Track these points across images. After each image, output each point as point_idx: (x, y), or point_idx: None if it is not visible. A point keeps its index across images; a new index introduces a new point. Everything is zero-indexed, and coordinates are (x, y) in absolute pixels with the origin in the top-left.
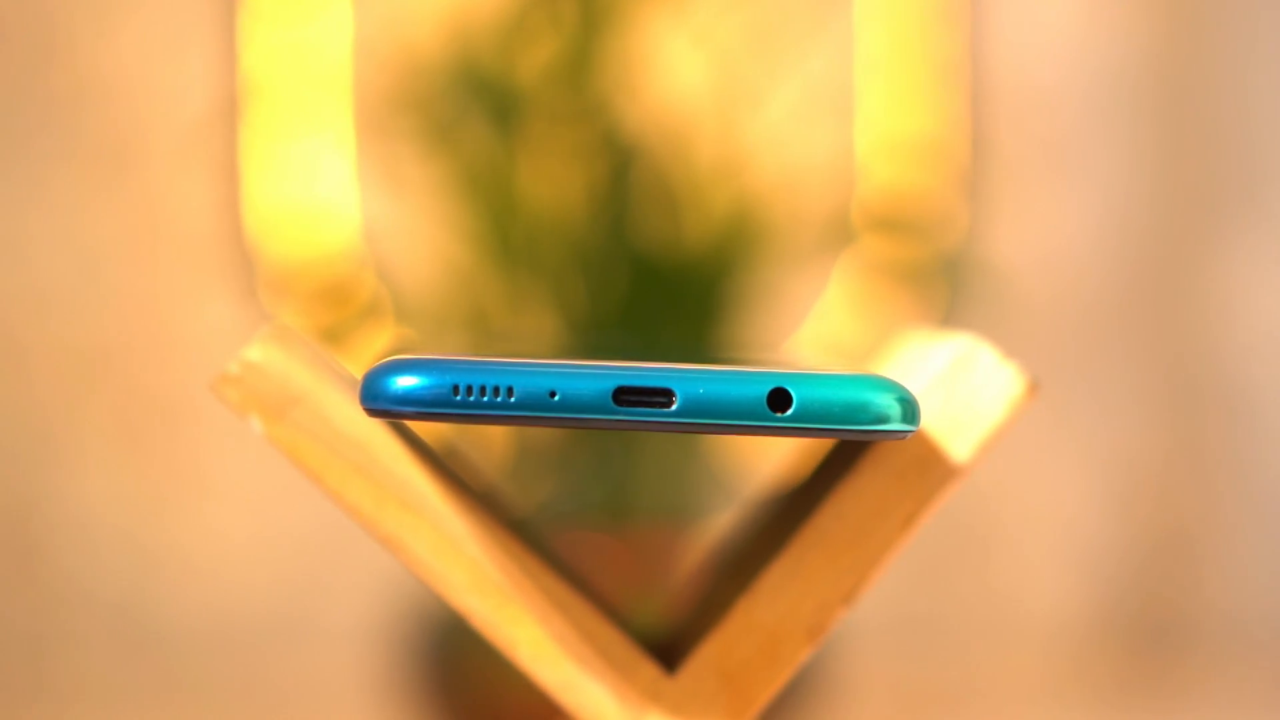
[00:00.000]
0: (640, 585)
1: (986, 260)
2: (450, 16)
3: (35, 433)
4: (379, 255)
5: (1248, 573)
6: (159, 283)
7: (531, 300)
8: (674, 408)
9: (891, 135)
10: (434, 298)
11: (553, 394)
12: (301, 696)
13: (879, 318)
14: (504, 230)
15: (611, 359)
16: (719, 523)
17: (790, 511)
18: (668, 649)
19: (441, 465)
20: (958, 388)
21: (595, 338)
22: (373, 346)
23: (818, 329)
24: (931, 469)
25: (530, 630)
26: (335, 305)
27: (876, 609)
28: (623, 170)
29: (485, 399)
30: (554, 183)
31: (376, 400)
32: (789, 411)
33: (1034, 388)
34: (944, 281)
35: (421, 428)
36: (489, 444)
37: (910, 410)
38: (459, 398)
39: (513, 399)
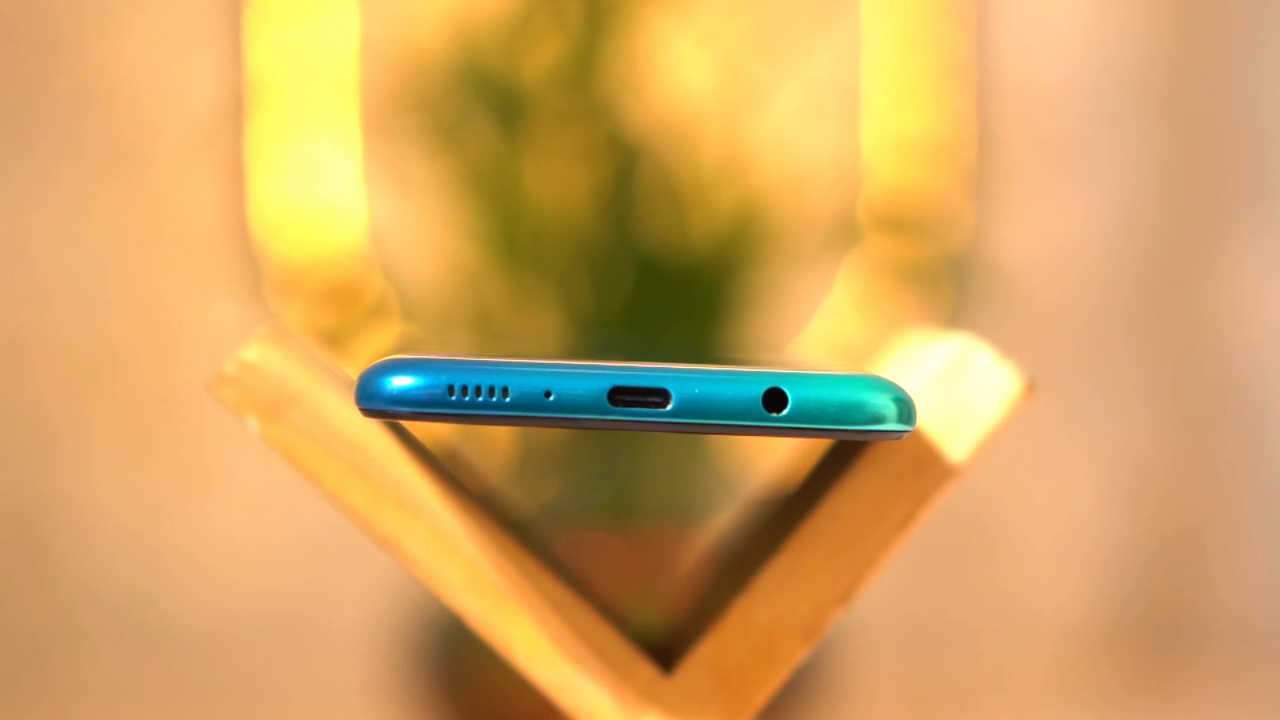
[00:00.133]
0: (644, 586)
1: (993, 260)
2: (456, 16)
3: (41, 433)
4: (385, 255)
5: (1255, 572)
6: (165, 283)
7: (537, 300)
8: (669, 408)
9: (897, 135)
10: (440, 297)
11: (548, 394)
12: (306, 696)
13: (885, 318)
14: (509, 230)
15: (616, 359)
16: (720, 523)
17: (788, 512)
18: (666, 649)
19: (438, 466)
20: (955, 387)
21: (600, 338)
22: (378, 346)
23: (823, 329)
24: (929, 469)
25: (526, 630)
26: (341, 305)
27: (883, 608)
28: (628, 170)
29: (480, 399)
30: (559, 183)
31: (372, 400)
32: (784, 411)
33: (1031, 387)
34: (950, 281)
35: (422, 428)
36: (492, 445)
37: (906, 410)
38: (454, 398)
39: (508, 399)
